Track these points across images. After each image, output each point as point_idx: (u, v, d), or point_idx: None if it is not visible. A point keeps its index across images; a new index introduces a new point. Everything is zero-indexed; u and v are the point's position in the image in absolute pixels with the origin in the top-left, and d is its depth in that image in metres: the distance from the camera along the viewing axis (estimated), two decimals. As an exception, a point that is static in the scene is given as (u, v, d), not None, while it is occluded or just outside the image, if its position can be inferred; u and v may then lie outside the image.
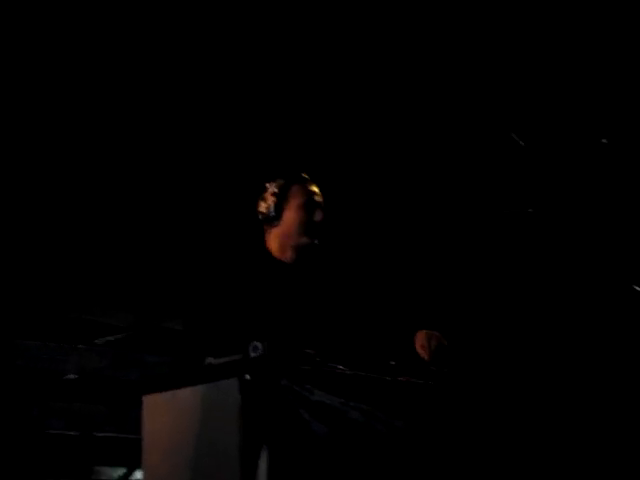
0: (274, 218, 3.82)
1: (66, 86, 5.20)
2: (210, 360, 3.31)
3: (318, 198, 3.87)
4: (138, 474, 4.67)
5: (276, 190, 3.83)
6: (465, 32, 5.72)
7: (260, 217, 3.86)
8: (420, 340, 3.61)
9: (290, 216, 3.82)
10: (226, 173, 5.59)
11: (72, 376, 4.79)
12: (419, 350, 3.58)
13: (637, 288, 5.11)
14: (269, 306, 3.72)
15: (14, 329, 4.55)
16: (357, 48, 5.67)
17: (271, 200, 3.83)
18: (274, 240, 3.86)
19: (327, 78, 5.77)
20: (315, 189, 3.89)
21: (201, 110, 5.56)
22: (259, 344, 3.07)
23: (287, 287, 3.80)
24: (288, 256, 3.85)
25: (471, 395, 3.42)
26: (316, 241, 3.82)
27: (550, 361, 5.39)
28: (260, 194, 3.88)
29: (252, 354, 3.07)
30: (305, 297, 3.82)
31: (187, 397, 3.28)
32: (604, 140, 5.49)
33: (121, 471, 4.71)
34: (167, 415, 3.38)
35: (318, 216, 3.83)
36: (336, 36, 5.61)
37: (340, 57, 5.69)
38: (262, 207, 3.86)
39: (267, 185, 3.88)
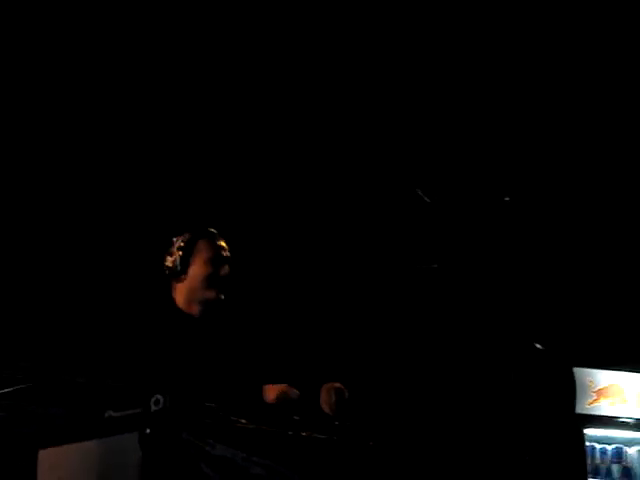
0: (180, 272, 3.82)
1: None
2: (110, 413, 3.25)
3: (224, 253, 3.88)
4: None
5: (182, 244, 3.83)
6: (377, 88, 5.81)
7: (166, 272, 3.85)
8: (323, 395, 3.61)
9: (196, 270, 3.82)
10: (135, 225, 5.54)
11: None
12: (322, 405, 3.58)
13: (537, 346, 5.19)
14: (172, 359, 3.68)
15: None
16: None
17: (177, 254, 3.82)
18: (180, 294, 3.85)
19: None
20: (222, 244, 3.90)
21: (114, 157, 5.52)
22: (160, 397, 3.02)
23: (191, 341, 3.78)
24: (194, 310, 3.84)
25: (374, 449, 3.41)
26: (222, 296, 3.82)
27: (450, 413, 5.42)
28: (167, 248, 3.87)
29: (153, 407, 3.02)
30: (209, 351, 3.80)
31: (86, 451, 3.21)
32: (507, 198, 5.59)
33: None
34: (64, 470, 3.30)
35: (224, 271, 3.84)
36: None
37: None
38: (168, 261, 3.84)
39: (174, 239, 3.86)
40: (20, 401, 4.66)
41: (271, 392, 3.74)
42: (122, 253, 5.45)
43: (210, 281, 3.81)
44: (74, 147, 5.43)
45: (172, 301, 3.87)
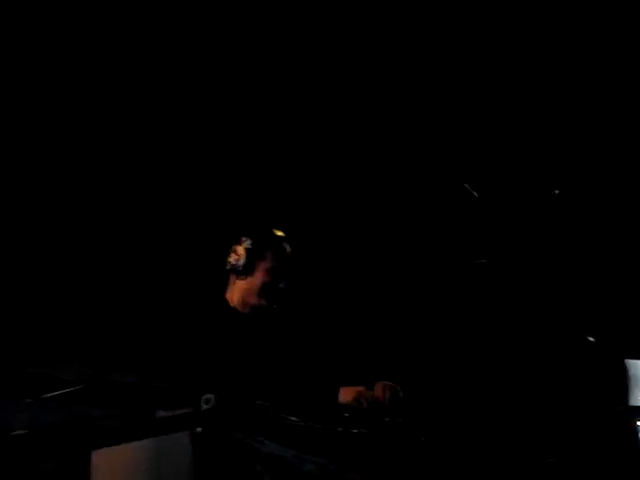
0: (241, 272, 3.85)
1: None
2: (161, 413, 3.26)
3: (288, 265, 3.90)
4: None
5: (250, 247, 3.86)
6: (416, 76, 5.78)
7: (227, 267, 3.89)
8: (376, 392, 3.62)
9: (256, 276, 3.87)
10: (195, 216, 5.57)
11: (19, 432, 4.68)
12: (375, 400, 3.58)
13: (590, 339, 5.12)
14: (222, 357, 3.69)
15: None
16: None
17: (242, 255, 3.88)
18: (237, 292, 3.91)
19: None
20: (287, 254, 3.92)
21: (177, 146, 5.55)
22: (211, 396, 3.02)
23: (242, 338, 3.80)
24: (246, 310, 3.87)
25: (426, 446, 3.39)
26: (275, 305, 3.85)
27: (512, 415, 5.37)
28: (233, 244, 3.89)
29: (204, 406, 3.02)
30: (259, 348, 3.81)
31: (137, 451, 3.22)
32: (556, 191, 5.53)
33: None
34: (116, 470, 3.31)
35: (282, 283, 3.87)
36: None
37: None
38: (232, 258, 3.92)
39: (242, 238, 3.84)
40: (72, 403, 4.70)
41: (347, 393, 3.74)
42: (176, 247, 5.46)
43: (266, 290, 3.85)
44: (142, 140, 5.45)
45: (224, 297, 3.90)
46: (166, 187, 5.51)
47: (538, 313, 5.63)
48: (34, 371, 4.66)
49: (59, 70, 5.16)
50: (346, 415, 3.39)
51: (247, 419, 3.04)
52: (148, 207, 5.44)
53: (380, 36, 5.69)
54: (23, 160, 5.15)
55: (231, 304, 3.90)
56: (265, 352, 3.83)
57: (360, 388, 3.75)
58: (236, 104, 5.63)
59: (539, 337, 5.57)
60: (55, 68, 5.14)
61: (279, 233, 3.99)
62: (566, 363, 5.31)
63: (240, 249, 3.89)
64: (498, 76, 5.82)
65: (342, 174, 5.99)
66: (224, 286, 3.97)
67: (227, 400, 3.04)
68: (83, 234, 5.25)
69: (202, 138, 5.61)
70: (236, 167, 5.68)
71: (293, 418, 3.17)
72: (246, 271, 3.87)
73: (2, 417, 4.51)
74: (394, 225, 6.12)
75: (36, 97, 5.11)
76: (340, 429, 3.20)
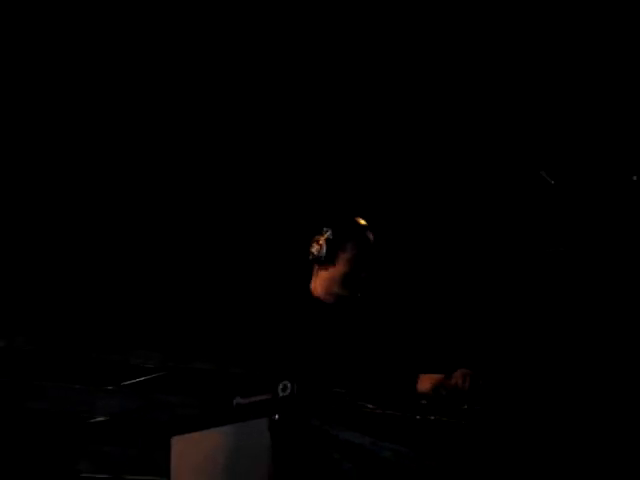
0: (323, 262, 3.87)
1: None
2: (239, 400, 3.29)
3: (370, 255, 3.90)
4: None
5: (331, 237, 3.86)
6: (495, 72, 5.73)
7: (310, 257, 3.90)
8: (455, 379, 3.61)
9: (338, 266, 3.86)
10: (279, 206, 5.60)
11: (100, 419, 4.77)
12: (453, 388, 3.57)
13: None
14: (300, 345, 3.71)
15: (38, 371, 4.55)
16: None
17: (324, 246, 3.85)
18: (320, 281, 3.91)
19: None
20: (369, 243, 3.91)
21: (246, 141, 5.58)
22: (288, 383, 3.04)
23: (324, 327, 3.81)
24: (328, 299, 3.88)
25: (504, 434, 3.37)
26: (358, 294, 3.86)
27: (582, 404, 5.32)
28: (316, 234, 3.91)
29: (281, 394, 3.04)
30: (341, 337, 3.83)
31: (216, 438, 3.25)
32: (635, 177, 5.45)
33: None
34: (195, 456, 3.35)
35: (364, 272, 3.87)
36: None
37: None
38: (314, 249, 3.89)
39: (324, 229, 3.89)
40: (152, 390, 4.78)
41: (426, 381, 3.73)
42: (261, 238, 5.50)
43: (348, 280, 3.85)
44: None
45: (307, 285, 3.92)
46: (251, 176, 5.54)
47: (616, 302, 5.56)
48: (114, 359, 4.74)
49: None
50: (424, 402, 3.39)
51: (324, 406, 3.05)
52: (235, 197, 5.47)
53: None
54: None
55: (314, 294, 3.91)
56: (346, 341, 3.84)
57: (439, 376, 3.75)
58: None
59: (619, 327, 5.51)
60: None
61: (362, 222, 3.99)
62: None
63: (321, 239, 3.89)
64: (574, 61, 5.75)
65: (420, 165, 5.97)
66: (309, 276, 3.98)
67: (304, 387, 3.05)
68: (162, 226, 5.31)
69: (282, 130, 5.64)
70: (322, 157, 5.70)
71: (370, 406, 3.18)
72: (328, 261, 3.86)
73: (84, 404, 4.61)
74: (473, 215, 6.10)
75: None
76: (418, 417, 3.20)
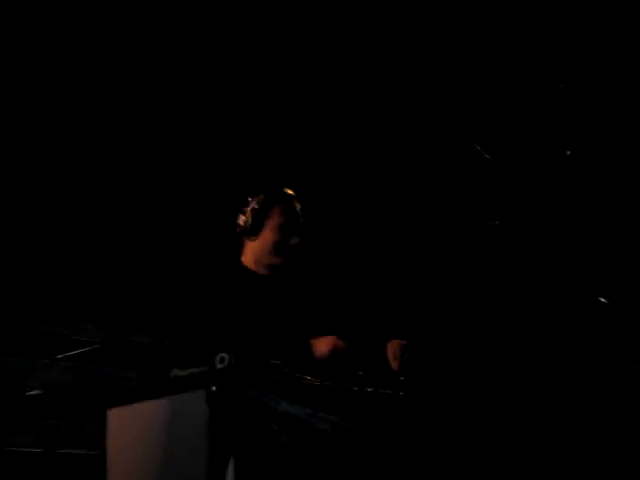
0: (250, 233, 3.85)
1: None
2: (176, 372, 3.28)
3: (297, 220, 3.88)
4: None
5: (256, 206, 3.85)
6: (434, 42, 5.76)
7: (237, 229, 3.88)
8: (392, 350, 3.61)
9: (266, 235, 3.86)
10: (206, 180, 5.57)
11: (36, 392, 4.72)
12: (390, 360, 3.58)
13: (602, 300, 5.13)
14: (236, 317, 3.70)
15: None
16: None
17: (250, 216, 3.85)
18: (249, 253, 3.91)
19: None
20: (296, 210, 3.90)
21: (186, 115, 5.54)
22: (225, 355, 3.04)
23: (255, 298, 3.81)
24: (260, 270, 3.87)
25: (440, 405, 3.40)
26: (289, 262, 3.85)
27: (518, 371, 5.39)
28: (241, 206, 3.89)
29: (218, 365, 3.03)
30: (273, 308, 3.83)
31: (153, 410, 3.24)
32: (568, 152, 5.51)
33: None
34: (132, 429, 3.33)
35: (294, 240, 3.85)
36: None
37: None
38: (241, 220, 3.89)
39: (249, 199, 3.88)
40: (88, 362, 4.75)
41: (322, 345, 3.76)
42: (191, 209, 5.48)
43: (278, 248, 3.84)
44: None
45: (239, 257, 3.91)
46: (178, 154, 5.51)
47: (550, 275, 5.63)
48: (50, 331, 4.70)
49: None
50: (360, 374, 3.41)
51: (262, 378, 3.05)
52: (165, 174, 5.45)
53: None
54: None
55: (246, 266, 3.90)
56: (281, 311, 3.84)
57: (332, 338, 3.76)
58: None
59: (552, 299, 5.58)
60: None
61: (287, 191, 3.97)
62: (577, 326, 5.32)
63: (247, 210, 3.87)
64: (510, 38, 5.79)
65: (353, 132, 5.97)
66: (239, 249, 3.97)
67: (242, 359, 3.05)
68: (104, 203, 5.27)
69: (213, 104, 5.60)
70: (245, 132, 5.67)
71: (307, 377, 3.19)
72: (255, 231, 3.84)
73: (18, 377, 4.56)
74: (405, 186, 6.12)
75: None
76: (355, 388, 3.22)
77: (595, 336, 5.21)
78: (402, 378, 3.49)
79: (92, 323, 4.75)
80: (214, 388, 2.98)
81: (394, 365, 3.57)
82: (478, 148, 5.55)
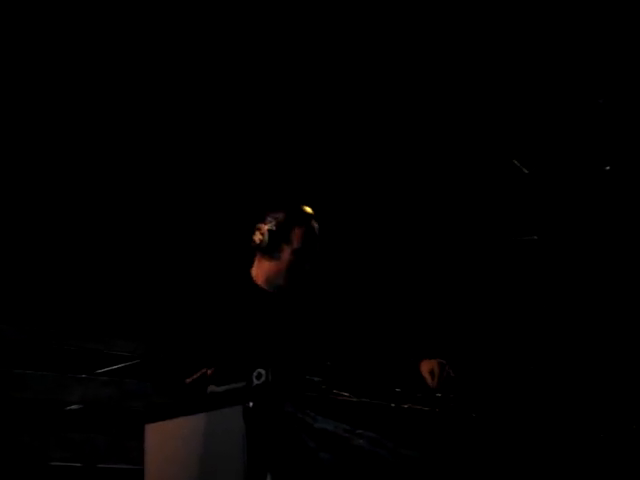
0: (266, 251, 3.73)
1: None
2: (213, 388, 3.28)
3: (315, 246, 3.74)
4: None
5: (274, 227, 3.69)
6: (469, 57, 5.74)
7: (252, 244, 3.76)
8: (428, 367, 3.58)
9: (283, 257, 3.69)
10: (220, 192, 5.58)
11: (74, 407, 4.75)
12: (426, 377, 3.56)
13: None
14: (272, 333, 3.69)
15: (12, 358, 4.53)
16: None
17: (267, 234, 3.69)
18: (262, 270, 3.75)
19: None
20: (315, 234, 3.72)
21: (200, 123, 5.56)
22: (262, 371, 3.04)
23: (267, 317, 3.72)
24: (271, 289, 3.75)
25: (478, 422, 3.39)
26: (299, 286, 3.74)
27: (557, 389, 5.35)
28: (258, 221, 3.77)
29: (255, 381, 3.03)
30: (284, 328, 3.75)
31: (190, 425, 3.25)
32: (607, 167, 5.48)
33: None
34: (169, 444, 3.34)
35: (309, 264, 3.72)
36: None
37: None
38: (257, 237, 3.73)
39: (267, 215, 3.74)
40: (127, 378, 4.77)
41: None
42: (205, 225, 5.47)
43: (291, 271, 3.70)
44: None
45: (248, 269, 3.79)
46: (195, 164, 5.51)
47: (588, 290, 5.59)
48: (88, 347, 4.72)
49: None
50: (398, 390, 3.39)
51: (298, 394, 3.05)
52: (179, 182, 5.45)
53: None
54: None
55: (256, 281, 3.79)
56: (313, 327, 3.79)
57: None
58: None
59: (591, 314, 5.54)
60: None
61: (307, 210, 3.85)
62: (619, 344, 5.28)
63: (264, 227, 3.70)
64: (549, 55, 5.76)
65: (380, 147, 5.96)
66: (250, 264, 3.84)
67: (278, 375, 3.05)
68: (124, 219, 5.28)
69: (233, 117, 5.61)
70: (269, 145, 5.67)
71: (344, 393, 3.18)
72: (271, 251, 3.69)
73: (57, 392, 4.59)
74: (442, 202, 6.11)
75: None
76: (392, 404, 3.21)
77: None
78: (439, 395, 3.47)
79: (129, 339, 4.78)
80: (251, 404, 2.98)
81: (431, 382, 3.54)
82: (517, 163, 5.52)
